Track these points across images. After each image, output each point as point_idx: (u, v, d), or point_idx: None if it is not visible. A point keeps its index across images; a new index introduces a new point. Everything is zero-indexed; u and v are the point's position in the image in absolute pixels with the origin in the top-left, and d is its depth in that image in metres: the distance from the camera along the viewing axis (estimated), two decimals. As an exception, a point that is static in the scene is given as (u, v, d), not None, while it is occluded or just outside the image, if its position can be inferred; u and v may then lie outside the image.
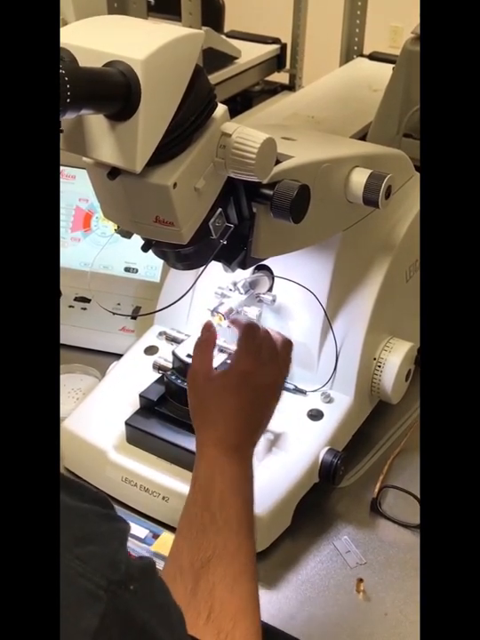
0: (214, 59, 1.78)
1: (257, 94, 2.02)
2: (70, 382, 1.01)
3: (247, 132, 0.66)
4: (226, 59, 1.87)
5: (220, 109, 0.66)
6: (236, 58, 1.91)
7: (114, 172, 0.62)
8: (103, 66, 0.57)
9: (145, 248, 0.71)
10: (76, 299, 1.13)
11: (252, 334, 0.76)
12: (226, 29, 2.26)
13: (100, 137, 0.59)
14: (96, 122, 0.59)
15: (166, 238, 0.68)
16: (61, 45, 0.58)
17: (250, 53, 1.96)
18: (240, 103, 1.95)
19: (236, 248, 0.75)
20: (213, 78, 1.73)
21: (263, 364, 0.75)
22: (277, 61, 2.05)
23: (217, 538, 0.65)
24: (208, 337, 0.78)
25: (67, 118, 0.52)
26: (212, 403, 0.73)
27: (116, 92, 0.55)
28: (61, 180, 1.17)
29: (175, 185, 0.63)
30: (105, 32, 0.60)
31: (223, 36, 1.97)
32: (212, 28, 1.83)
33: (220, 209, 0.69)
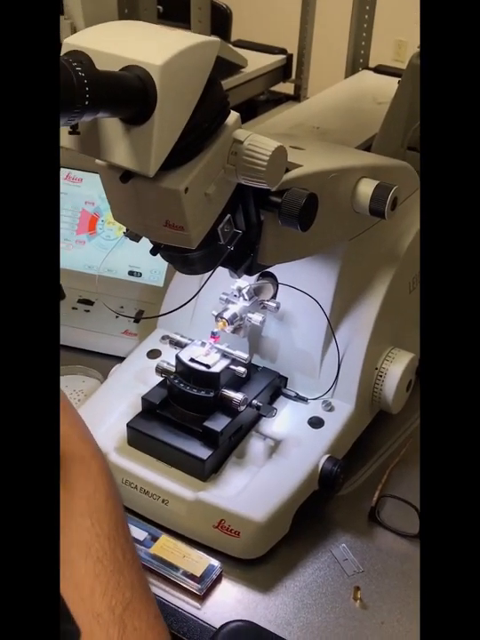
0: (221, 67, 1.78)
1: (262, 104, 2.03)
2: (72, 384, 1.01)
3: (259, 140, 0.66)
4: (232, 67, 1.88)
5: (233, 116, 0.67)
6: (243, 67, 1.92)
7: (126, 176, 0.63)
8: (120, 70, 0.57)
9: (153, 251, 0.72)
10: (79, 301, 1.13)
11: None
12: (233, 38, 2.27)
13: (115, 140, 0.60)
14: (111, 125, 0.59)
15: (176, 242, 0.68)
16: (80, 49, 0.59)
17: (256, 63, 1.96)
18: (245, 112, 1.96)
19: (243, 254, 0.76)
20: (220, 87, 1.74)
21: None
22: (283, 71, 2.06)
23: (132, 575, 0.58)
24: None
25: (83, 121, 0.53)
26: None
27: (132, 96, 0.56)
28: (68, 182, 1.18)
29: (187, 190, 0.63)
30: (122, 37, 0.61)
31: (230, 45, 1.98)
32: (219, 36, 1.84)
33: (228, 215, 0.70)
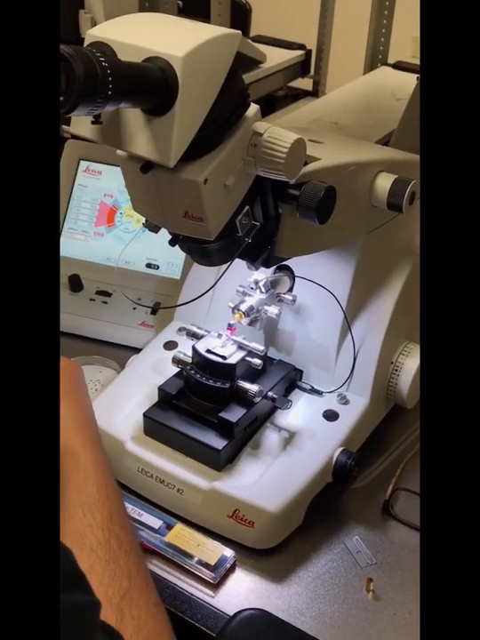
0: (240, 62, 1.79)
1: (280, 99, 2.03)
2: (89, 373, 1.02)
3: (278, 132, 0.67)
4: (251, 62, 1.88)
5: (253, 109, 0.68)
6: (261, 62, 1.92)
7: (147, 166, 0.64)
8: (142, 61, 0.58)
9: (172, 242, 0.73)
10: (97, 292, 1.14)
11: None
12: (252, 33, 2.27)
13: (136, 130, 0.60)
14: (133, 115, 0.60)
15: (194, 233, 0.69)
16: (102, 40, 0.59)
17: (275, 58, 1.96)
18: (263, 107, 1.95)
19: (261, 246, 0.77)
20: (238, 82, 1.74)
21: None
22: (302, 67, 2.05)
23: (129, 563, 0.59)
24: None
25: (106, 111, 0.53)
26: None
27: (154, 87, 0.57)
28: (88, 175, 1.19)
29: (206, 181, 0.64)
30: (144, 28, 0.62)
31: (249, 40, 1.98)
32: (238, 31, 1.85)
33: (247, 207, 0.71)
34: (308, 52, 2.05)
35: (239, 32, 0.63)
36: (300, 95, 2.06)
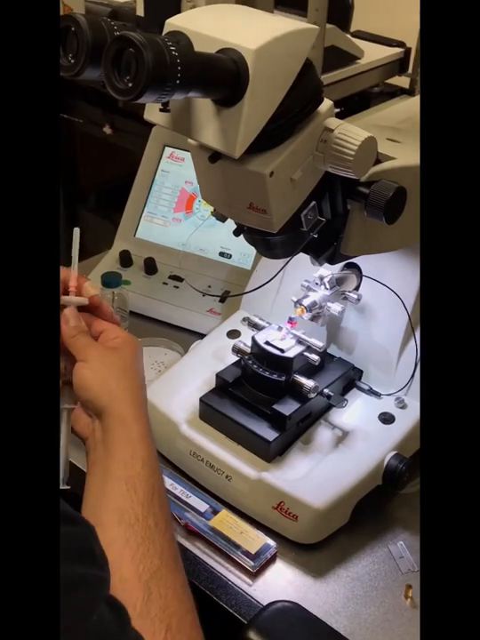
0: (336, 57, 1.77)
1: (375, 96, 1.99)
2: (154, 355, 1.05)
3: (349, 129, 0.66)
4: (348, 57, 1.85)
5: (326, 104, 0.67)
6: (359, 58, 1.90)
7: (215, 156, 0.65)
8: (216, 52, 0.59)
9: (236, 233, 0.74)
10: (170, 277, 1.17)
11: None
12: (352, 29, 2.25)
13: (205, 120, 0.61)
14: (203, 105, 0.61)
15: (257, 225, 0.70)
16: (181, 29, 0.61)
17: (373, 54, 1.93)
18: (358, 103, 1.93)
19: (326, 243, 0.77)
20: (333, 76, 1.72)
21: None
22: (400, 65, 2.02)
23: (162, 543, 0.59)
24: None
25: (174, 99, 0.55)
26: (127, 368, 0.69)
27: (224, 78, 0.57)
28: (171, 161, 1.21)
29: (272, 174, 0.64)
30: (222, 20, 0.63)
31: (348, 36, 1.96)
32: (338, 26, 1.83)
33: (313, 202, 0.71)
34: (408, 50, 2.01)
35: (316, 27, 0.63)
36: (396, 93, 2.02)
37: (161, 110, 0.56)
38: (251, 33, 0.60)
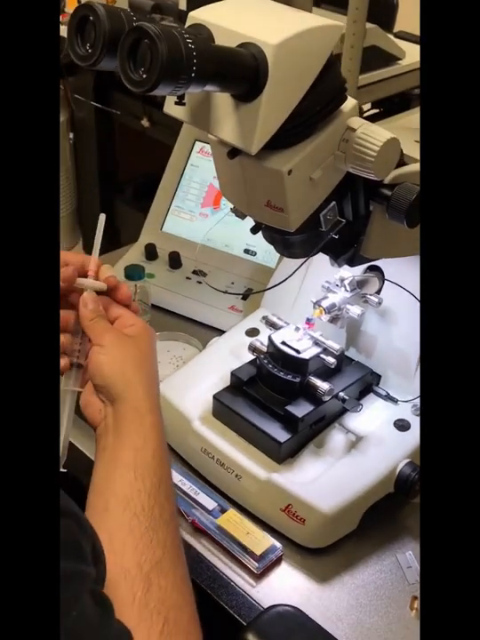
0: (377, 57, 1.75)
1: (416, 97, 1.97)
2: (173, 349, 1.04)
3: (372, 129, 0.65)
4: (388, 58, 1.83)
5: (350, 103, 0.66)
6: (400, 59, 1.87)
7: (234, 152, 0.64)
8: (237, 46, 0.58)
9: (254, 230, 0.73)
10: (194, 271, 1.16)
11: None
12: (396, 29, 2.22)
13: (224, 115, 0.61)
14: (222, 100, 0.60)
15: (275, 223, 0.69)
16: (202, 22, 0.60)
17: (414, 55, 1.91)
18: (397, 104, 1.91)
19: (347, 244, 0.75)
20: (373, 76, 1.70)
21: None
22: (442, 67, 1.99)
23: (166, 534, 0.59)
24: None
25: (190, 92, 0.54)
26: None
27: (243, 73, 0.57)
28: (200, 156, 1.21)
29: (290, 172, 0.64)
30: (245, 13, 0.62)
31: (390, 36, 1.93)
32: (381, 26, 1.81)
33: (333, 202, 0.70)
34: (451, 52, 1.98)
35: (340, 25, 0.62)
36: (437, 95, 2.00)
37: (176, 103, 0.56)
38: (272, 28, 0.59)
